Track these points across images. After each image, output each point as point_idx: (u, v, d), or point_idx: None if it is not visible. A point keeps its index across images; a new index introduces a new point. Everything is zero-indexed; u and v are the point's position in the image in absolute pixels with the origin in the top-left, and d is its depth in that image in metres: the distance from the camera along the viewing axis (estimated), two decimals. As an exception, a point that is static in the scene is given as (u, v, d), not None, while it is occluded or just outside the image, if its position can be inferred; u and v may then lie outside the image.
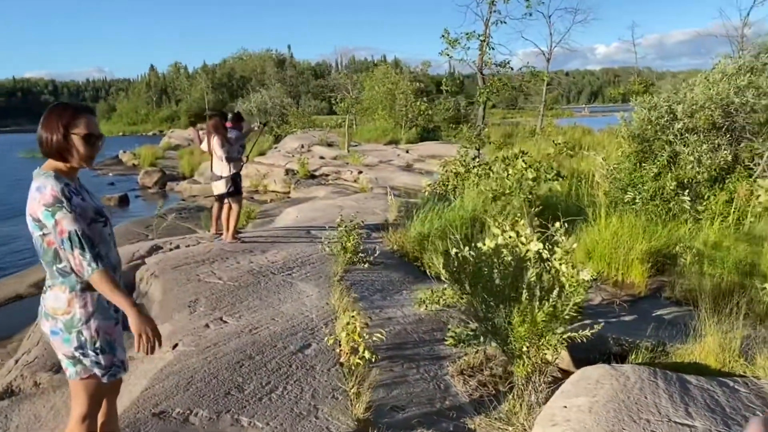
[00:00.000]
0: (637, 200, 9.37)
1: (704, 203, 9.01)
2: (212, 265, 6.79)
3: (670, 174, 9.32)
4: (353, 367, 4.17)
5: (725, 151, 9.07)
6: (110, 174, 28.68)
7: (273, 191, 19.93)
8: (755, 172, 9.09)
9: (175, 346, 4.57)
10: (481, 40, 13.08)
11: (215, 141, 8.01)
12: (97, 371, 2.49)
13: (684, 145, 9.43)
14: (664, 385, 3.48)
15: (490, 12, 13.18)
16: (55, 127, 2.40)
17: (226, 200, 8.14)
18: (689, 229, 8.48)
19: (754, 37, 19.74)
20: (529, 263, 4.14)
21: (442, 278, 4.85)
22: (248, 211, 12.81)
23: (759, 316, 5.55)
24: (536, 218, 7.76)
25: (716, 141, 9.25)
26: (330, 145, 27.01)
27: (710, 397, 3.38)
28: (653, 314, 6.20)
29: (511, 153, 8.37)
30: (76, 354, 2.46)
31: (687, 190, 9.08)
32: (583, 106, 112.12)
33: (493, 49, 13.13)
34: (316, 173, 20.73)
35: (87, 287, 2.43)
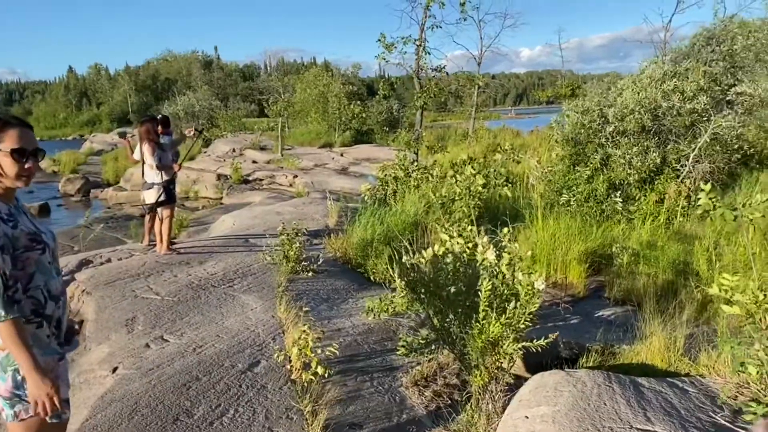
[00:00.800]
0: (571, 202, 9.61)
1: (635, 204, 9.33)
2: (148, 279, 6.47)
3: (602, 176, 9.60)
4: (306, 384, 4.02)
5: (654, 154, 9.42)
6: (28, 181, 27.07)
7: (205, 197, 19.37)
8: (682, 173, 9.49)
9: (115, 369, 4.29)
10: (417, 45, 13.14)
11: (146, 148, 7.65)
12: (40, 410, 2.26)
13: (615, 148, 9.75)
14: (620, 389, 3.52)
15: (425, 17, 13.26)
16: None
17: (159, 209, 7.79)
18: (622, 229, 8.76)
19: (673, 42, 20.70)
20: (484, 272, 4.10)
21: (392, 286, 4.78)
22: (180, 219, 12.36)
23: (695, 314, 5.75)
24: (476, 222, 7.82)
25: (646, 144, 9.60)
26: (263, 148, 26.54)
27: (664, 400, 3.44)
28: (596, 315, 6.33)
29: (459, 159, 8.40)
30: (14, 393, 2.21)
31: (619, 192, 9.38)
32: (510, 108, 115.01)
33: (429, 53, 13.21)
34: (250, 178, 20.30)
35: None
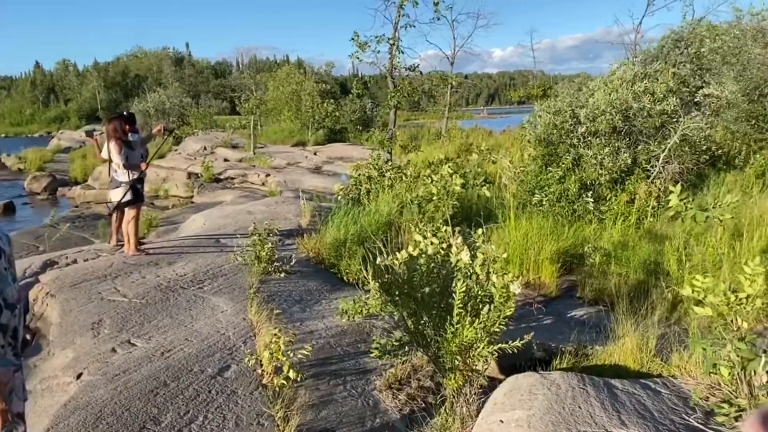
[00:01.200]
0: (544, 202, 9.65)
1: (606, 204, 9.41)
2: (115, 281, 6.31)
3: (574, 176, 9.67)
4: (278, 389, 3.94)
5: (625, 154, 9.51)
6: (-9, 179, 26.41)
7: (175, 196, 19.06)
8: (652, 173, 9.60)
9: (79, 375, 4.15)
10: (391, 44, 13.08)
11: (113, 146, 7.46)
12: None
13: (587, 149, 9.82)
14: (594, 392, 3.51)
15: (399, 15, 13.20)
16: None
17: (126, 209, 7.60)
18: (594, 229, 8.83)
19: (643, 44, 21.01)
20: (459, 273, 4.07)
21: (366, 287, 4.72)
22: (150, 219, 12.13)
23: (666, 314, 5.80)
24: (450, 222, 7.80)
25: (617, 144, 9.69)
26: (235, 146, 26.22)
27: (638, 402, 3.44)
28: (569, 315, 6.36)
29: (436, 158, 8.37)
30: None
31: (590, 192, 9.46)
32: (482, 108, 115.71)
33: (402, 53, 13.17)
34: (221, 176, 20.03)
35: None
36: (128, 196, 7.49)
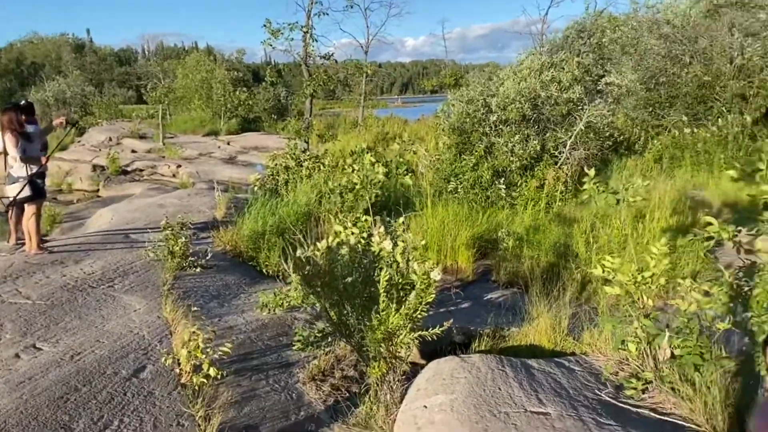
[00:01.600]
0: (459, 189, 9.86)
1: (518, 190, 9.73)
2: (16, 281, 5.91)
3: (486, 164, 9.92)
4: (197, 388, 3.83)
5: (534, 141, 9.85)
6: None
7: (79, 190, 18.09)
8: (560, 159, 10.00)
9: (-23, 386, 3.87)
10: (304, 32, 12.91)
11: (8, 139, 6.97)
12: None
13: (498, 137, 10.09)
14: (513, 373, 3.63)
15: (312, 3, 13.03)
16: None
17: (25, 205, 7.13)
18: (507, 214, 9.12)
19: (549, 34, 21.78)
20: (381, 262, 4.08)
21: (287, 280, 4.66)
22: (53, 215, 11.44)
23: (576, 294, 6.08)
24: (370, 211, 7.83)
25: (526, 132, 10.02)
26: (142, 137, 25.17)
27: (554, 381, 3.58)
28: (485, 298, 6.54)
29: (357, 147, 8.34)
30: None
31: (502, 179, 9.74)
32: (397, 96, 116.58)
33: (316, 41, 13.02)
34: (129, 168, 19.19)
35: None
36: (26, 192, 7.02)
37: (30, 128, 7.23)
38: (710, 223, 3.44)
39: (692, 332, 3.36)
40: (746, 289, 3.24)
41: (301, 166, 9.46)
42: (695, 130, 11.56)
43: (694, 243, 5.83)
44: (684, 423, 3.18)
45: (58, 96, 32.07)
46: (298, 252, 4.42)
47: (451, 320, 4.07)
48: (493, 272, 7.48)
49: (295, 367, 4.57)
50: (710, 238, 3.49)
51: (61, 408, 3.59)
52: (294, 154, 9.78)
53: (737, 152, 10.48)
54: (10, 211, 7.47)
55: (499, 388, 3.38)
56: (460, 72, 29.92)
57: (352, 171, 7.09)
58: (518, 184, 9.89)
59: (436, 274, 3.75)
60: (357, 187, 6.94)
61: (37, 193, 7.20)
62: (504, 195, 9.58)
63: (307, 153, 10.34)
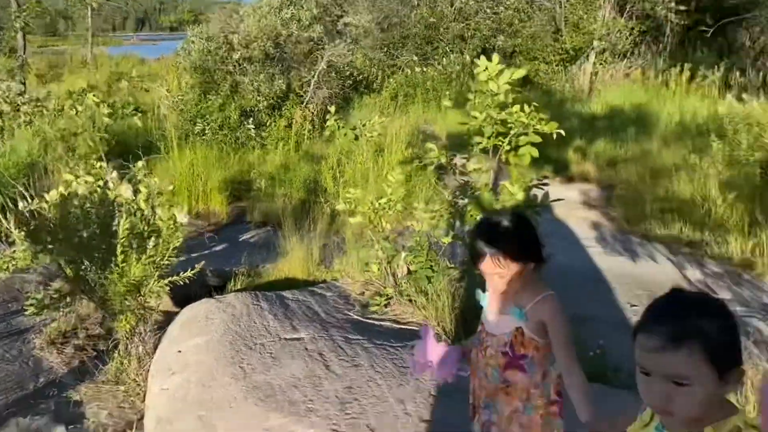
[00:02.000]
0: (206, 131, 9.54)
1: (267, 130, 9.73)
2: None
3: (233, 104, 9.71)
4: None
5: (280, 81, 9.87)
6: None
7: None
8: (305, 98, 10.19)
9: None
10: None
11: None
12: None
13: (243, 75, 9.91)
14: (268, 306, 3.73)
15: None
16: None
17: None
18: (258, 155, 9.10)
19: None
20: (119, 210, 3.82)
21: (11, 240, 4.14)
22: None
23: (327, 226, 6.38)
24: (105, 157, 7.22)
25: (271, 71, 9.97)
26: None
27: (307, 308, 3.77)
28: (240, 239, 6.53)
29: (78, 88, 7.47)
30: None
31: (251, 119, 9.64)
32: (132, 34, 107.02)
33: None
34: None
35: None
36: None
37: None
38: (432, 150, 3.84)
39: (423, 249, 3.77)
40: (461, 205, 3.72)
41: (18, 110, 8.27)
42: (425, 69, 12.62)
43: (427, 172, 6.46)
44: (419, 328, 3.61)
45: None
46: (20, 205, 3.95)
47: (203, 263, 4.02)
48: (248, 213, 7.47)
49: (30, 333, 4.14)
50: (432, 163, 3.90)
51: None
52: (7, 97, 8.49)
53: (460, 88, 11.72)
54: None
55: (254, 322, 3.45)
56: (199, 8, 28.38)
57: (75, 113, 6.41)
58: (267, 124, 9.88)
59: (182, 218, 3.65)
60: (80, 131, 6.30)
61: None
62: (254, 135, 9.51)
63: (26, 96, 9.05)
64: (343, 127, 6.44)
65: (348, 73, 11.38)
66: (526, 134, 3.78)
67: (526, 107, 3.72)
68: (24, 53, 11.73)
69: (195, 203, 7.49)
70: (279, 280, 4.76)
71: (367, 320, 3.66)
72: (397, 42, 13.15)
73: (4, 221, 4.67)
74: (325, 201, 6.87)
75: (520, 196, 3.53)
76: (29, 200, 4.04)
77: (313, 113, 9.92)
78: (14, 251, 4.89)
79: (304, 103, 10.13)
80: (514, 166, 3.85)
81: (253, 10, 10.62)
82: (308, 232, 5.44)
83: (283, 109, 10.05)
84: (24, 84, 10.53)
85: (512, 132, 3.76)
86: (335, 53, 10.40)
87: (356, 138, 6.87)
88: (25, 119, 8.12)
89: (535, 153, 3.76)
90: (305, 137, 9.64)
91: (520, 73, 3.88)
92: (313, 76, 10.22)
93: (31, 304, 4.05)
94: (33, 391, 3.46)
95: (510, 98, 3.81)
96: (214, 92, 9.92)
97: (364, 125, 7.08)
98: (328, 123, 5.69)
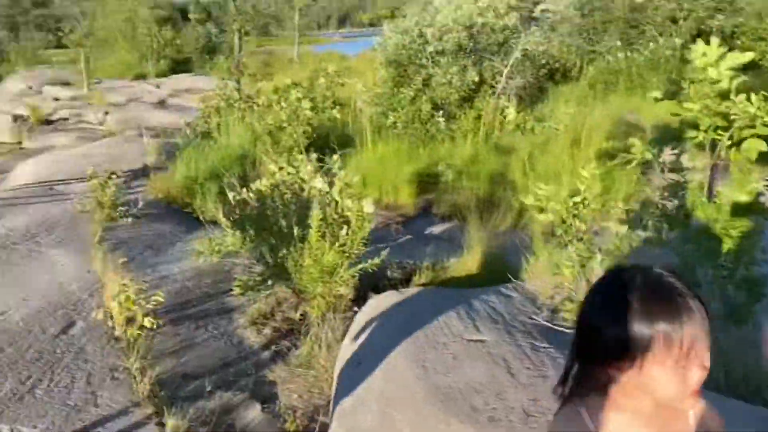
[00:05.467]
0: (397, 124, 9.73)
1: (457, 122, 9.67)
2: (-69, 242, 5.57)
3: (425, 97, 9.78)
4: (132, 340, 3.71)
5: (472, 72, 9.74)
6: None
7: (1, 143, 17.08)
8: (497, 89, 9.95)
9: None
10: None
11: None
12: None
13: (436, 68, 9.93)
14: (450, 303, 3.64)
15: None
16: None
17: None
18: (447, 147, 9.07)
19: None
20: (313, 200, 3.99)
21: (223, 225, 4.53)
22: (-29, 170, 10.78)
23: (514, 222, 6.15)
24: (310, 150, 7.66)
25: (463, 63, 9.88)
26: (66, 84, 23.77)
27: (491, 308, 3.62)
28: (426, 232, 6.56)
29: (283, 84, 8.04)
30: None
31: (441, 111, 9.64)
32: (335, 32, 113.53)
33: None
34: (53, 118, 18.15)
35: None
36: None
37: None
38: (635, 145, 3.46)
39: (622, 253, 3.43)
40: (670, 208, 3.30)
41: (233, 106, 9.10)
42: (629, 54, 11.67)
43: (629, 167, 5.94)
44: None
45: (-31, 43, 29.82)
46: (229, 195, 4.29)
47: (387, 250, 4.06)
48: (434, 206, 7.48)
49: (235, 312, 4.49)
50: (636, 160, 3.51)
51: (-16, 371, 3.43)
52: (225, 94, 9.39)
53: (669, 75, 10.65)
54: None
55: (437, 319, 3.39)
56: (396, 3, 29.18)
57: (280, 108, 6.86)
58: (457, 116, 9.81)
59: (369, 207, 3.70)
60: (285, 125, 6.71)
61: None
62: (444, 128, 9.51)
63: (240, 93, 9.95)
64: (528, 119, 6.14)
65: (543, 61, 10.90)
66: (752, 127, 3.26)
67: (753, 96, 3.21)
68: (240, 53, 12.93)
69: (385, 195, 7.67)
70: (462, 276, 4.66)
71: (556, 327, 3.42)
72: (599, 27, 12.33)
73: (216, 210, 5.13)
74: (514, 196, 6.63)
75: (743, 198, 3.05)
76: (237, 190, 4.37)
77: (504, 104, 9.66)
78: (225, 236, 5.39)
79: (496, 94, 9.89)
80: (737, 163, 3.34)
81: (448, 2, 10.59)
82: (494, 228, 5.27)
83: (474, 100, 9.91)
84: (238, 82, 11.60)
85: (735, 124, 3.26)
86: (531, 41, 10.00)
87: (543, 128, 6.51)
88: (239, 115, 8.91)
89: (764, 147, 3.23)
90: (495, 129, 9.42)
91: (747, 57, 3.35)
92: (507, 67, 9.93)
93: (237, 285, 4.40)
94: (235, 367, 3.74)
95: (733, 86, 3.31)
96: (407, 85, 10.07)
97: (551, 117, 6.71)
98: (508, 117, 5.43)
